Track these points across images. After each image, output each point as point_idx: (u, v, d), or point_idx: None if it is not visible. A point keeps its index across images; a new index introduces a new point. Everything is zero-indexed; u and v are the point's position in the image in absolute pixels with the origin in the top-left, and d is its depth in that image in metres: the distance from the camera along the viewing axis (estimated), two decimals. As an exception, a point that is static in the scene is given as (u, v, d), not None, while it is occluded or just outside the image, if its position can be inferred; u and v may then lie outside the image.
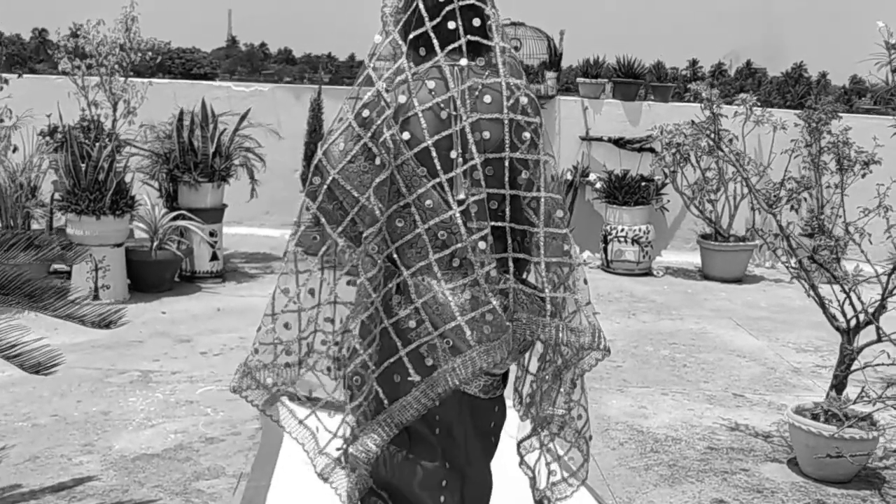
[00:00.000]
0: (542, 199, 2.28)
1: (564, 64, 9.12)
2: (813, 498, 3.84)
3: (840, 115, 7.99)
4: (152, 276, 6.52)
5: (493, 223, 2.29)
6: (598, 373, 5.27)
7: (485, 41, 2.29)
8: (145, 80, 7.67)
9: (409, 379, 2.28)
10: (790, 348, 6.01)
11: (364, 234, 2.26)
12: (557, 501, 2.64)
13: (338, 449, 2.48)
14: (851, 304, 3.92)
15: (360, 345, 2.29)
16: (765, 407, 4.88)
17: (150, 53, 7.19)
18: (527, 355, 2.49)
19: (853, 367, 3.99)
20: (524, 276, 2.37)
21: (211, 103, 7.27)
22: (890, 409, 3.92)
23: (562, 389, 2.46)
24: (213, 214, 6.95)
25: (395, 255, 2.28)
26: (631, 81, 8.68)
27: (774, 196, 4.75)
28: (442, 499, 2.47)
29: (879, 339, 3.77)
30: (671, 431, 4.47)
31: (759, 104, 8.24)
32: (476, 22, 2.28)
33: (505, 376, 2.50)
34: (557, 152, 8.63)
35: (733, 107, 8.05)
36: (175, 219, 6.64)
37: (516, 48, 8.54)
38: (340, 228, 2.32)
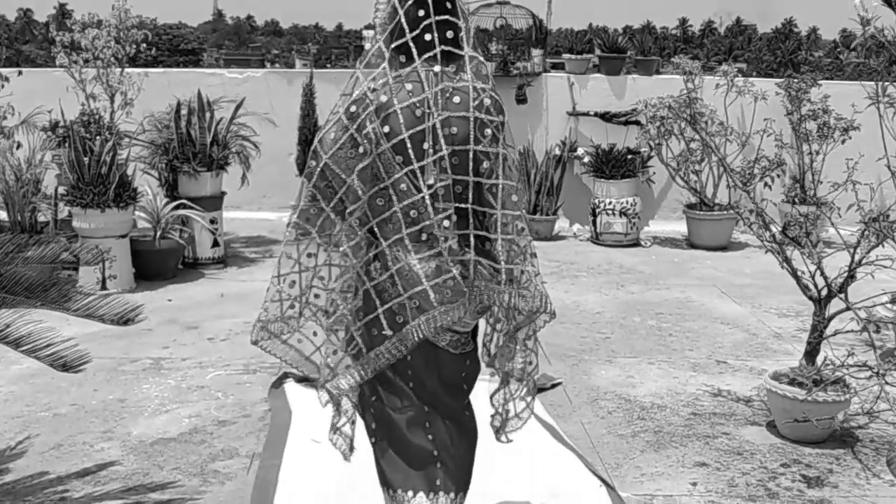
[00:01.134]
0: (500, 186, 2.71)
1: (554, 25, 9.31)
2: (789, 458, 4.10)
3: (820, 83, 8.19)
4: (157, 264, 6.76)
5: (458, 205, 2.70)
6: (588, 345, 5.53)
7: (456, 51, 2.72)
8: (140, 70, 7.85)
9: (384, 333, 2.71)
10: (772, 314, 6.26)
11: (348, 210, 2.70)
12: (509, 432, 3.09)
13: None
14: (822, 274, 4.16)
15: (343, 301, 2.75)
16: (746, 372, 5.14)
17: (143, 45, 7.38)
18: (493, 317, 2.93)
19: (825, 334, 4.23)
20: (486, 249, 2.75)
21: (206, 92, 7.45)
22: (864, 371, 4.16)
23: (518, 347, 2.91)
24: (213, 202, 7.18)
25: (374, 229, 2.72)
26: (616, 56, 8.87)
27: (749, 174, 4.97)
28: (430, 437, 2.90)
29: (847, 308, 4.02)
30: (657, 399, 4.73)
31: (739, 73, 8.46)
32: (449, 34, 2.71)
33: (474, 335, 2.94)
34: (545, 127, 8.85)
35: (715, 78, 8.25)
36: (176, 208, 6.86)
37: (502, 27, 8.74)
38: (331, 204, 2.74)
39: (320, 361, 2.90)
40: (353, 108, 2.71)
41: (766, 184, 7.41)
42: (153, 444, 4.15)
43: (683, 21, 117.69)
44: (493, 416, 3.08)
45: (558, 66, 9.51)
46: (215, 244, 7.20)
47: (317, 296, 2.87)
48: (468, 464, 3.01)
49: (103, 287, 6.35)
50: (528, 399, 3.02)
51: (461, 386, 2.94)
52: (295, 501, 3.63)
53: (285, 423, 4.33)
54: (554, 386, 4.86)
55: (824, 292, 4.24)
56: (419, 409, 2.89)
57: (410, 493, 2.91)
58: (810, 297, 4.31)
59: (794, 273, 4.29)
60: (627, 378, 5.02)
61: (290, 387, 4.78)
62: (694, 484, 3.84)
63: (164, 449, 4.10)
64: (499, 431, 3.09)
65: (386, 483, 2.97)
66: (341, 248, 2.74)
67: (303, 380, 4.83)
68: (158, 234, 6.74)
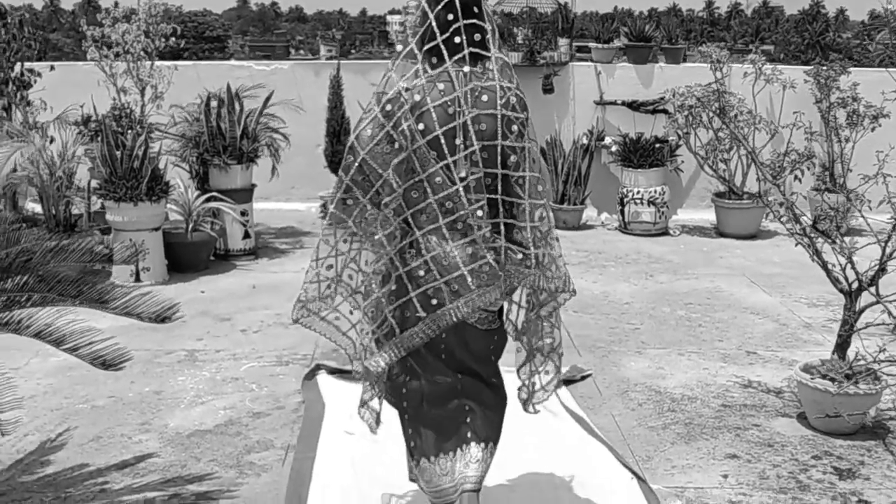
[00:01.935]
0: (527, 178, 2.94)
1: (579, 8, 9.29)
2: (820, 450, 4.11)
3: (849, 70, 8.13)
4: (189, 256, 6.83)
5: (488, 196, 2.91)
6: (618, 336, 5.56)
7: (484, 52, 2.92)
8: (170, 63, 7.92)
9: (417, 314, 2.91)
10: (802, 304, 6.25)
11: (384, 202, 2.90)
12: (535, 403, 3.29)
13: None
14: (853, 267, 4.16)
15: (377, 287, 2.95)
16: (777, 363, 5.15)
17: (172, 39, 7.46)
18: (516, 295, 3.17)
19: (856, 327, 4.23)
20: (514, 236, 2.97)
21: (234, 85, 7.51)
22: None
23: (544, 324, 3.15)
24: (243, 194, 7.25)
25: (409, 219, 2.92)
26: (643, 45, 8.84)
27: (778, 167, 4.96)
28: (462, 397, 3.12)
29: (878, 302, 4.02)
30: (687, 391, 4.75)
31: (766, 57, 8.41)
32: (477, 37, 2.91)
33: (500, 312, 3.15)
34: (572, 117, 8.85)
35: (744, 66, 8.21)
36: (207, 201, 6.93)
37: (527, 12, 8.74)
38: (368, 196, 2.96)
39: (355, 338, 3.13)
40: (388, 107, 2.90)
41: (795, 176, 7.38)
42: (190, 436, 4.22)
43: (710, 3, 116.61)
44: (519, 388, 3.28)
45: (583, 50, 9.47)
46: (246, 236, 7.27)
47: (350, 277, 3.09)
48: (499, 419, 3.20)
49: (137, 279, 6.44)
50: (553, 373, 3.23)
51: (489, 357, 3.16)
52: (329, 494, 3.69)
53: (318, 415, 4.39)
54: (584, 378, 4.89)
55: (855, 285, 4.23)
56: (452, 377, 3.11)
57: (441, 457, 3.13)
58: (841, 290, 4.31)
59: (824, 266, 4.29)
60: (657, 369, 5.04)
61: (323, 378, 4.84)
62: (725, 476, 3.87)
63: (200, 441, 4.17)
64: (526, 403, 3.28)
65: (415, 454, 3.17)
66: (376, 237, 2.93)
67: (335, 371, 4.90)
68: (190, 226, 6.81)
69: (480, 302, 2.90)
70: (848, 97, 7.94)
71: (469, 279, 2.87)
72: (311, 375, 4.87)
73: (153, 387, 4.77)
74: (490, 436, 3.17)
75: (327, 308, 3.14)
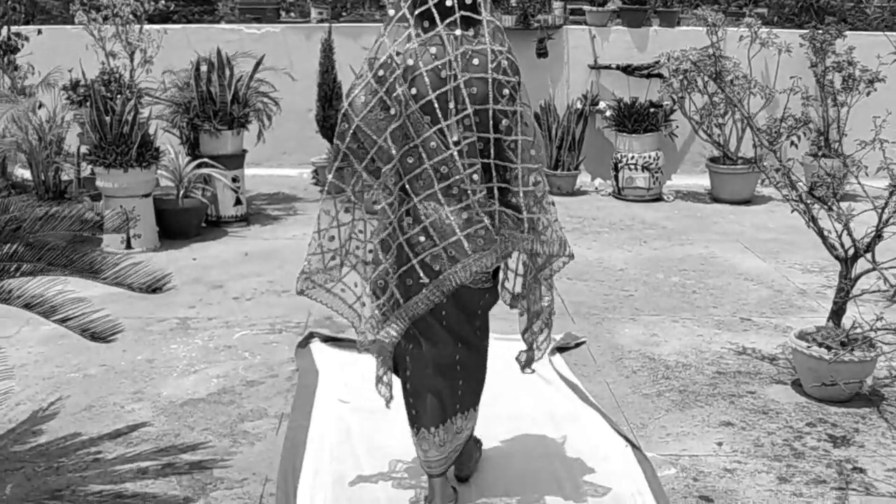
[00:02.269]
0: (519, 141, 2.94)
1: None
2: (815, 417, 4.11)
3: (845, 34, 8.06)
4: (180, 223, 6.78)
5: (480, 160, 2.91)
6: (611, 303, 5.54)
7: (475, 15, 2.92)
8: (159, 27, 7.81)
9: (420, 281, 2.95)
10: (796, 269, 6.24)
11: (383, 170, 2.93)
12: (531, 363, 3.36)
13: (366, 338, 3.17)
14: (849, 234, 4.14)
15: (384, 257, 2.98)
16: (771, 330, 5.14)
17: (161, 2, 7.35)
18: (511, 262, 3.21)
19: (852, 294, 4.22)
20: (508, 200, 2.99)
21: (225, 49, 7.41)
22: (891, 333, 4.16)
23: (542, 288, 3.18)
24: (235, 160, 7.17)
25: (406, 186, 2.93)
26: (637, 8, 8.74)
27: (775, 132, 4.91)
28: (458, 367, 3.17)
29: (874, 269, 4.00)
30: (681, 358, 4.74)
31: (761, 20, 8.32)
32: (468, 0, 2.90)
33: (494, 272, 3.19)
34: (566, 81, 8.77)
35: (739, 30, 8.12)
36: (198, 167, 6.87)
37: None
38: (363, 164, 2.99)
39: (360, 310, 3.18)
40: (380, 73, 2.91)
41: (792, 142, 7.33)
42: (183, 404, 4.20)
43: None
44: (522, 352, 3.35)
45: (577, 13, 9.36)
46: (238, 202, 7.21)
47: (357, 248, 3.14)
48: (481, 380, 3.30)
49: (128, 246, 6.39)
50: (546, 331, 3.28)
51: (476, 311, 3.21)
52: (323, 462, 3.67)
53: (312, 383, 4.37)
54: (578, 345, 4.88)
55: (851, 252, 4.21)
56: (453, 346, 3.15)
57: (441, 427, 3.19)
58: (836, 257, 4.29)
59: (820, 232, 4.27)
60: (651, 336, 5.03)
61: (316, 346, 4.81)
62: (719, 444, 3.86)
63: (193, 410, 4.15)
64: (524, 366, 3.35)
65: (416, 423, 3.22)
66: (378, 207, 2.96)
67: (328, 339, 4.87)
68: (181, 192, 6.75)
69: (477, 266, 2.93)
70: (843, 61, 7.88)
71: (465, 244, 2.90)
72: (304, 343, 4.84)
73: (145, 355, 4.74)
74: (473, 402, 3.28)
75: (333, 280, 3.17)
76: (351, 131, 2.95)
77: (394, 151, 2.90)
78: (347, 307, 3.22)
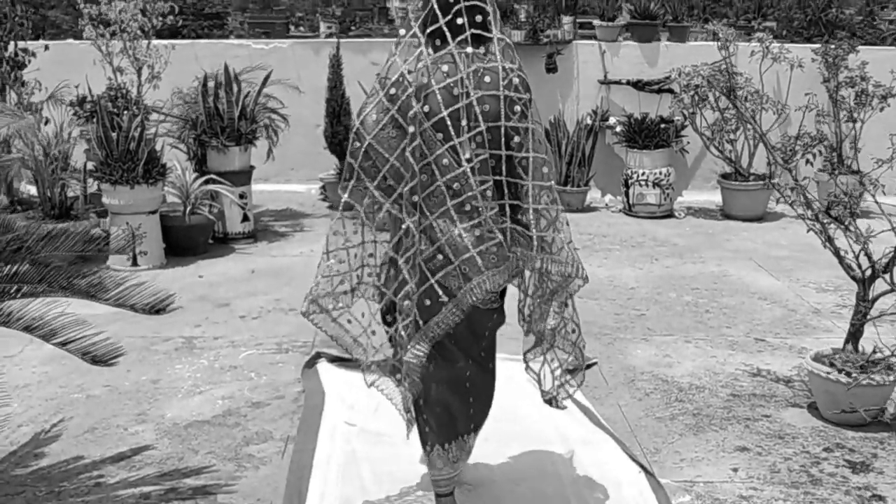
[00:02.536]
0: (531, 158, 2.93)
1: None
2: (832, 442, 4.02)
3: (857, 49, 7.99)
4: (187, 240, 6.73)
5: (493, 177, 2.91)
6: (623, 322, 5.45)
7: (485, 33, 2.94)
8: (167, 42, 7.77)
9: (440, 300, 2.92)
10: (811, 288, 6.14)
11: (400, 189, 2.93)
12: (563, 400, 3.30)
13: (391, 359, 3.16)
14: (867, 255, 4.05)
15: (409, 275, 2.94)
16: (786, 351, 5.05)
17: (170, 17, 7.31)
18: (526, 282, 3.16)
19: (869, 316, 4.13)
20: (519, 218, 2.97)
21: (233, 64, 7.37)
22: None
23: (552, 310, 3.12)
24: (242, 177, 7.13)
25: (421, 204, 2.92)
26: (647, 23, 8.68)
27: (790, 150, 4.83)
28: (468, 384, 3.16)
29: (893, 290, 3.91)
30: (695, 380, 4.65)
31: (770, 33, 8.25)
32: (478, 18, 2.92)
33: (502, 293, 3.15)
34: (576, 97, 8.71)
35: (750, 45, 8.05)
36: (205, 183, 6.81)
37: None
38: (375, 182, 2.97)
39: (366, 343, 3.16)
40: (392, 91, 2.93)
41: (807, 160, 7.24)
42: (187, 426, 4.13)
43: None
44: (533, 376, 3.31)
45: (586, 27, 9.30)
46: (245, 219, 7.15)
47: (369, 274, 3.11)
48: (490, 399, 3.27)
49: (134, 263, 6.33)
50: (575, 365, 3.24)
51: (484, 333, 3.18)
52: (330, 487, 3.60)
53: (318, 405, 4.30)
54: (589, 366, 4.79)
55: (868, 273, 4.12)
56: (464, 362, 3.13)
57: (453, 444, 3.18)
58: (853, 278, 4.20)
59: (836, 252, 4.18)
60: (664, 357, 4.94)
61: (323, 367, 4.74)
62: (735, 470, 3.77)
63: (198, 432, 4.07)
64: (551, 400, 3.30)
65: (429, 440, 3.20)
66: (403, 226, 2.94)
67: (335, 359, 4.80)
68: (188, 209, 6.70)
69: (491, 284, 2.91)
70: (856, 76, 7.80)
71: (479, 261, 2.88)
72: (311, 364, 4.77)
73: (150, 375, 4.67)
74: (481, 421, 3.28)
75: (340, 308, 3.11)
76: (363, 150, 2.95)
77: (416, 168, 2.89)
78: (351, 340, 3.17)
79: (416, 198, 2.90)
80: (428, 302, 2.95)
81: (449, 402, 3.16)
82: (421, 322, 2.97)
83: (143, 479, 3.67)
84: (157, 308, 3.29)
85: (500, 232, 2.93)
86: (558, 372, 3.26)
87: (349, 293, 3.09)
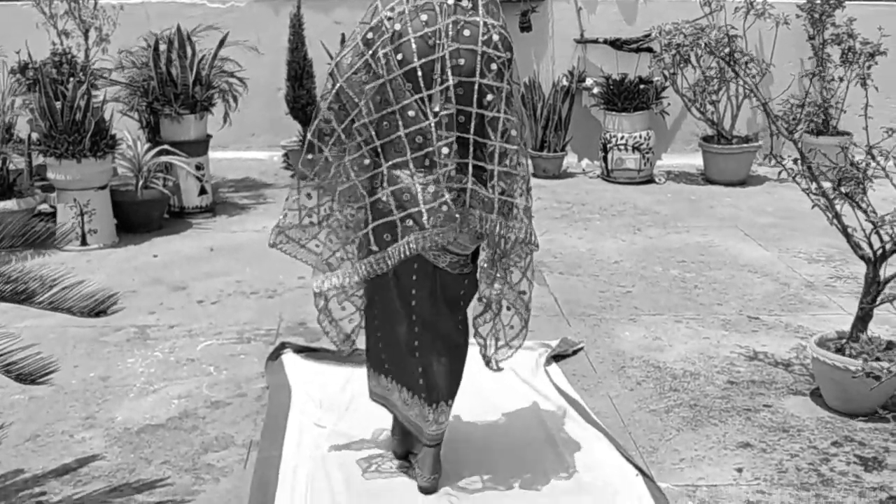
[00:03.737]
0: (501, 119, 2.86)
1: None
2: (840, 435, 3.73)
3: (844, 4, 7.65)
4: (140, 216, 6.29)
5: (460, 134, 2.85)
6: (608, 301, 5.13)
7: None
8: (116, 1, 7.27)
9: (370, 248, 2.93)
10: (801, 259, 5.85)
11: (355, 127, 2.90)
12: (499, 362, 3.27)
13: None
14: (879, 236, 3.74)
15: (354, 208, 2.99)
16: (782, 330, 4.75)
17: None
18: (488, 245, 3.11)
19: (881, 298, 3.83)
20: (483, 179, 2.91)
21: (186, 25, 6.90)
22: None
23: (498, 274, 3.09)
24: (198, 146, 6.67)
25: (378, 150, 2.90)
26: (625, -22, 8.27)
27: (794, 119, 4.49)
28: (417, 354, 3.12)
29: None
30: (689, 365, 4.34)
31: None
32: None
33: (474, 257, 3.13)
34: (551, 57, 8.30)
35: (734, 1, 7.68)
36: (159, 154, 6.36)
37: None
38: (343, 125, 2.93)
39: (335, 263, 3.10)
40: (369, 35, 2.88)
41: (811, 129, 6.90)
42: (139, 431, 3.76)
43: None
44: (480, 341, 3.26)
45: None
46: (202, 192, 6.71)
47: (332, 209, 3.06)
48: (450, 373, 3.16)
49: (83, 243, 5.91)
50: (519, 328, 3.22)
51: (459, 302, 3.15)
52: (297, 499, 3.26)
53: (284, 404, 3.93)
54: (576, 352, 4.47)
55: (879, 253, 3.82)
56: (411, 328, 3.10)
57: (398, 384, 3.22)
58: (862, 257, 3.89)
59: (844, 231, 3.87)
60: (654, 340, 4.62)
61: (289, 358, 4.37)
62: (739, 470, 3.47)
63: (151, 438, 3.70)
64: (488, 361, 3.26)
65: (370, 360, 3.32)
66: (346, 159, 2.95)
67: (302, 350, 4.44)
68: (141, 183, 6.25)
69: (431, 241, 2.86)
70: (843, 33, 7.46)
71: (425, 216, 2.84)
72: (275, 355, 4.39)
73: (99, 371, 4.29)
74: (442, 395, 3.15)
75: (307, 238, 3.12)
76: (334, 92, 2.92)
77: (365, 113, 2.87)
78: (323, 262, 3.10)
79: (361, 140, 2.91)
80: (366, 243, 2.96)
81: (392, 358, 3.23)
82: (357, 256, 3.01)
83: (89, 496, 3.31)
84: (96, 311, 2.91)
85: (460, 192, 2.89)
86: (512, 336, 3.24)
87: (316, 225, 3.09)
